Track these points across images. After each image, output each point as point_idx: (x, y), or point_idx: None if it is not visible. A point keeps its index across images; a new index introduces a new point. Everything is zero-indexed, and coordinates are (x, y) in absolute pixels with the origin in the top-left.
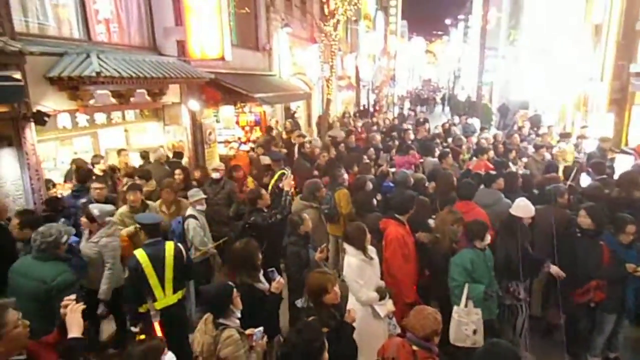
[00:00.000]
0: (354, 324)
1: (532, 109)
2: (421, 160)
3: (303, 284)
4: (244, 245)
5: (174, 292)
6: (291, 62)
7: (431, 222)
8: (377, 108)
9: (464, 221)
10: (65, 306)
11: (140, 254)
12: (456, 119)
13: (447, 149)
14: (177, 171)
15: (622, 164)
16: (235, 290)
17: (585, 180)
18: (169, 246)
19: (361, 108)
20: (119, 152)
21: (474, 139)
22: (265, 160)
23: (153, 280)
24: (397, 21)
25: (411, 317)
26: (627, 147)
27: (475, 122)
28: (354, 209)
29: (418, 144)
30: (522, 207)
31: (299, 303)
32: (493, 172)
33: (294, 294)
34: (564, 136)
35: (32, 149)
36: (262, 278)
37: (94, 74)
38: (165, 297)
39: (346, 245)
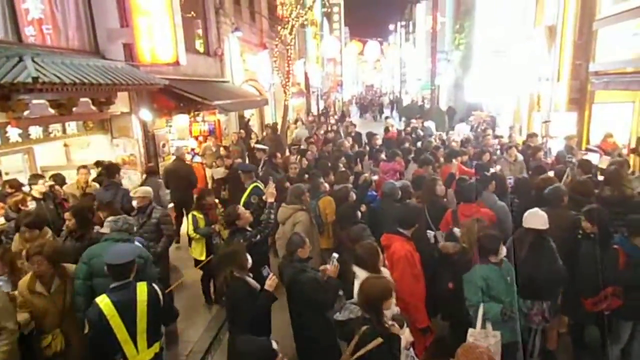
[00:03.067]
0: None
1: (485, 111)
2: None
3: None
4: (232, 246)
5: (149, 345)
6: (243, 68)
7: (457, 231)
8: (331, 113)
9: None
10: None
11: (103, 303)
12: (412, 123)
13: (429, 155)
14: (67, 215)
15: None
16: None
17: None
18: (142, 289)
19: (316, 112)
20: (79, 168)
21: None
22: (218, 173)
23: (122, 334)
24: (340, 27)
25: (460, 357)
26: (592, 145)
27: (431, 125)
28: (338, 223)
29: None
30: (539, 219)
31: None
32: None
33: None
34: (531, 136)
35: None
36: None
37: (29, 80)
38: (138, 354)
39: (356, 269)
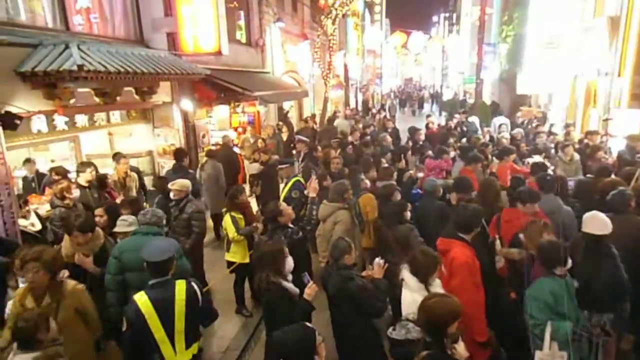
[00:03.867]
0: None
1: (535, 106)
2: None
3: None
4: (269, 246)
5: (187, 347)
6: (283, 59)
7: (522, 236)
8: (370, 106)
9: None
10: None
11: (141, 300)
12: (456, 118)
13: (478, 153)
14: (99, 211)
15: None
16: (317, 335)
17: None
18: (180, 287)
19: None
20: (117, 158)
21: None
22: (252, 169)
23: (159, 334)
24: (382, 19)
25: None
26: None
27: (475, 120)
28: (381, 221)
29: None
30: (599, 223)
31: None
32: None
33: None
34: (591, 133)
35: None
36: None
37: (75, 68)
38: (176, 355)
39: (406, 275)
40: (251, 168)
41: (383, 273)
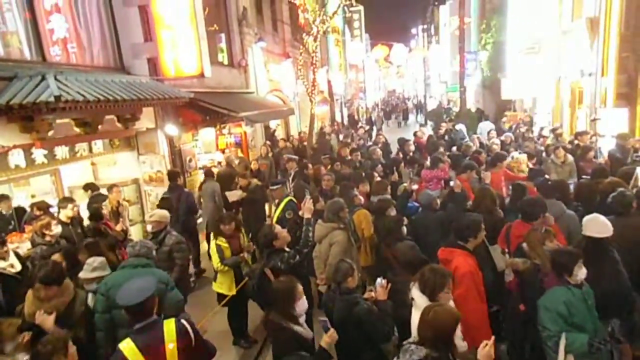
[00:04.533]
0: None
1: (520, 110)
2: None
3: None
4: (285, 282)
5: None
6: (267, 79)
7: (525, 246)
8: (356, 119)
9: (555, 235)
10: None
11: (127, 348)
12: (443, 126)
13: (470, 160)
14: (56, 256)
15: None
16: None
17: None
18: (169, 327)
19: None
20: (110, 188)
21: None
22: (233, 196)
23: None
24: (361, 34)
25: None
26: None
27: (462, 128)
28: (377, 237)
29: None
30: (600, 225)
31: (323, 324)
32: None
33: None
34: (580, 134)
35: None
36: (303, 325)
37: (52, 99)
38: None
39: (416, 294)
40: (232, 195)
41: (387, 293)
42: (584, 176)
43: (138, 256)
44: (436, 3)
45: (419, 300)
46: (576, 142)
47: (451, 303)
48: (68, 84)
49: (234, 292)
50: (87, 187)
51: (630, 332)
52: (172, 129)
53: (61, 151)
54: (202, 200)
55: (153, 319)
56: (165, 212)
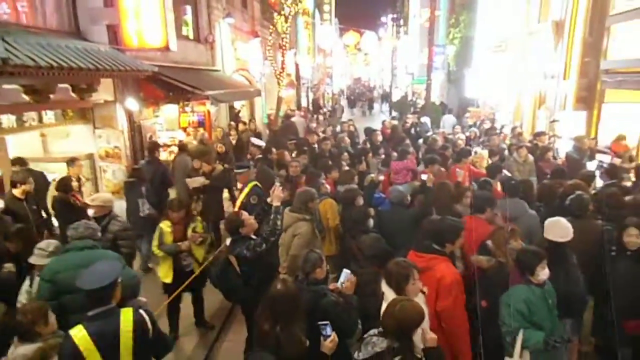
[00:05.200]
0: None
1: (483, 107)
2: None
3: None
4: (285, 289)
5: None
6: (234, 57)
7: (490, 243)
8: (321, 105)
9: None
10: None
11: (78, 336)
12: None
13: (435, 155)
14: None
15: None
16: None
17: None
18: (126, 316)
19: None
20: (71, 161)
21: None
22: (195, 182)
23: None
24: (331, 18)
25: None
26: (602, 147)
27: (427, 121)
28: (343, 228)
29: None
30: (561, 229)
31: (324, 329)
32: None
33: None
34: (539, 135)
35: None
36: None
37: None
38: None
39: (385, 288)
40: (193, 182)
41: (353, 287)
42: (544, 176)
43: (82, 238)
44: None
45: (389, 295)
46: (535, 142)
47: (420, 297)
48: (17, 46)
49: (169, 280)
50: (16, 162)
51: (578, 330)
52: (132, 103)
53: (7, 119)
54: (174, 173)
55: (110, 306)
56: (109, 196)
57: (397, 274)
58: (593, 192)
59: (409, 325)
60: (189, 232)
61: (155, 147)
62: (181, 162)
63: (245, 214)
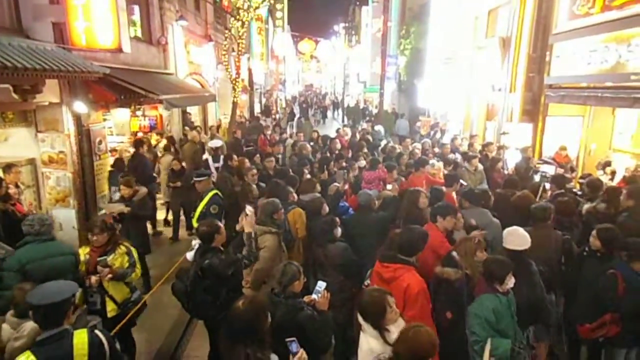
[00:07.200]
0: None
1: (433, 116)
2: None
3: None
4: (251, 304)
5: None
6: (187, 60)
7: (455, 254)
8: (273, 111)
9: (485, 244)
10: None
11: None
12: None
13: (393, 163)
14: None
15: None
16: None
17: None
18: (80, 339)
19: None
20: (7, 167)
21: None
22: (113, 208)
23: None
24: (284, 24)
25: None
26: (546, 157)
27: (380, 129)
28: (309, 237)
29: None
30: (519, 238)
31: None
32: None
33: None
34: (487, 145)
35: None
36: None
37: None
38: None
39: (362, 321)
40: (111, 207)
41: (327, 304)
42: (497, 185)
43: (39, 234)
44: (358, 3)
45: (365, 327)
46: (485, 152)
47: (400, 321)
48: None
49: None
50: None
51: (546, 333)
52: (80, 106)
53: None
54: (161, 171)
55: (62, 329)
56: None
57: (373, 309)
58: (544, 201)
59: (422, 354)
60: (99, 266)
61: (140, 142)
62: (165, 161)
63: (219, 223)
